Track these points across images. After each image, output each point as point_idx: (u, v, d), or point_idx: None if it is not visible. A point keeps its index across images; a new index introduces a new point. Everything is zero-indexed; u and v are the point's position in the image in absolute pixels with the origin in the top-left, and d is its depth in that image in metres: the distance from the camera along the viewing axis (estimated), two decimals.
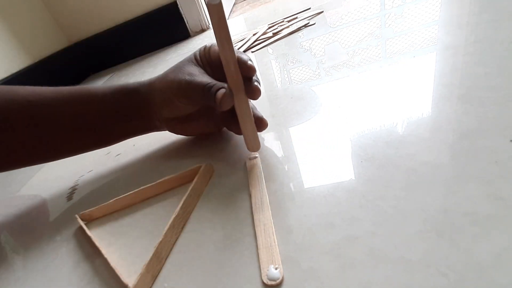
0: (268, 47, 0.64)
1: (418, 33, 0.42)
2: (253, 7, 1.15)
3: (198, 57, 0.32)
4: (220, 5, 0.22)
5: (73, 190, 0.39)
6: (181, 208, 0.26)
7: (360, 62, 0.41)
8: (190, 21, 1.10)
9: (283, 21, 0.75)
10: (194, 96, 0.29)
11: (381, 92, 0.33)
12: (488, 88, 0.27)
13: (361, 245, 0.19)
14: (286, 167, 0.28)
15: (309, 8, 0.77)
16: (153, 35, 1.15)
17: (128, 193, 0.31)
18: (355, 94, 0.35)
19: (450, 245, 0.17)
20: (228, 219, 0.25)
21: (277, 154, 0.31)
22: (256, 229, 0.23)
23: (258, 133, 0.30)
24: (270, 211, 0.24)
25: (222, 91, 0.26)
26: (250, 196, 0.26)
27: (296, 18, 0.73)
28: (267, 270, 0.19)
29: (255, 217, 0.24)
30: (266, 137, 0.34)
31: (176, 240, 0.25)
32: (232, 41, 0.25)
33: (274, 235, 0.22)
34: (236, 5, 1.39)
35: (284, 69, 0.50)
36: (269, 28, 0.74)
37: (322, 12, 0.71)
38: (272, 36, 0.68)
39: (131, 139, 0.38)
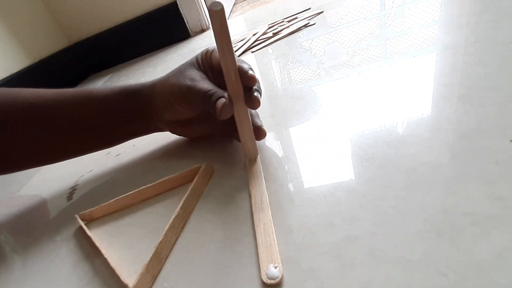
0: (268, 47, 0.64)
1: (418, 33, 0.42)
2: (253, 7, 1.15)
3: (200, 61, 0.32)
4: (222, 11, 0.22)
5: (73, 190, 0.39)
6: (181, 208, 0.26)
7: (360, 62, 0.41)
8: (190, 21, 1.10)
9: (283, 21, 0.75)
10: (194, 102, 0.29)
11: (381, 92, 0.33)
12: (488, 88, 0.27)
13: (361, 245, 0.19)
14: (286, 167, 0.28)
15: (309, 8, 0.77)
16: (153, 35, 1.15)
17: (128, 193, 0.31)
18: (355, 94, 0.35)
19: (450, 245, 0.17)
20: (228, 219, 0.25)
21: (277, 154, 0.31)
22: (255, 229, 0.23)
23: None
24: (270, 211, 0.24)
25: (222, 100, 0.26)
26: (250, 196, 0.26)
27: (296, 18, 0.73)
28: (267, 269, 0.19)
29: (255, 217, 0.24)
30: (266, 137, 0.34)
31: (176, 240, 0.25)
32: (233, 46, 0.24)
33: (274, 234, 0.22)
34: (236, 5, 1.39)
35: (284, 69, 0.50)
36: (269, 28, 0.74)
37: (322, 12, 0.71)
38: (272, 36, 0.68)
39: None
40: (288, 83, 0.45)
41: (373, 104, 0.32)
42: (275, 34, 0.68)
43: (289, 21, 0.73)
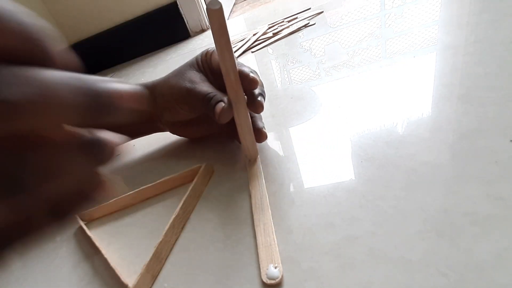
0: (268, 47, 0.64)
1: (418, 33, 0.42)
2: (253, 7, 1.15)
3: (200, 62, 0.31)
4: (221, 10, 0.21)
5: None
6: (181, 208, 0.26)
7: (360, 62, 0.41)
8: (190, 21, 1.10)
9: (283, 21, 0.75)
10: (194, 104, 0.29)
11: (381, 92, 0.33)
12: (488, 88, 0.27)
13: (361, 245, 0.19)
14: (286, 167, 0.28)
15: (309, 8, 0.77)
16: (153, 35, 1.15)
17: (128, 193, 0.31)
18: (355, 94, 0.35)
19: (450, 245, 0.17)
20: (228, 219, 0.25)
21: (277, 154, 0.31)
22: (256, 229, 0.23)
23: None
24: (270, 211, 0.24)
25: (221, 105, 0.26)
26: (250, 196, 0.26)
27: (296, 18, 0.73)
28: (267, 269, 0.19)
29: (255, 217, 0.24)
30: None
31: (176, 240, 0.25)
32: (233, 46, 0.24)
33: (274, 234, 0.22)
34: (236, 5, 1.39)
35: (284, 69, 0.50)
36: (269, 28, 0.74)
37: (322, 12, 0.71)
38: (272, 36, 0.68)
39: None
40: (288, 83, 0.45)
41: (373, 104, 0.32)
42: (275, 34, 0.68)
43: (289, 21, 0.73)
